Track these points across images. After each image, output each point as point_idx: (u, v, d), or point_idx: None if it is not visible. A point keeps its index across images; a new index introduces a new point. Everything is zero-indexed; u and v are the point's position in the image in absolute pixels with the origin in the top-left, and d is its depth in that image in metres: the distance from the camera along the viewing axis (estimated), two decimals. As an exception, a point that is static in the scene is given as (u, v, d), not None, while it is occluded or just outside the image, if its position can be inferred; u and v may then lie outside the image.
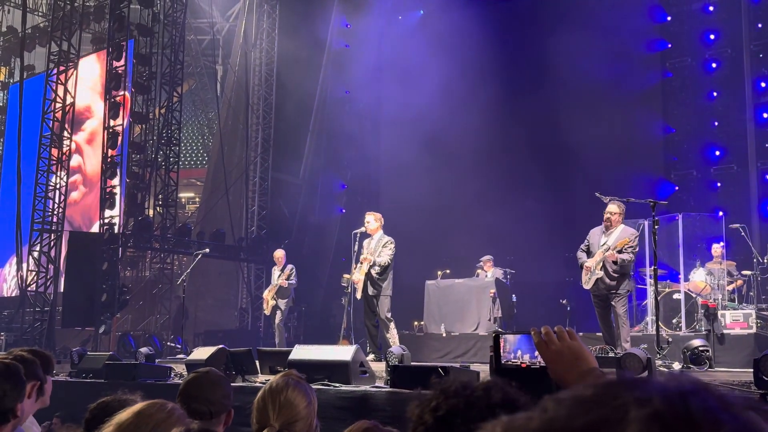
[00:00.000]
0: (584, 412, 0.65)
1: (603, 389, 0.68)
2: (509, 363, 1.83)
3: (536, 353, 1.70)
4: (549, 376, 1.66)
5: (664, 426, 0.63)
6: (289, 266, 12.59)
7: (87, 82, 17.36)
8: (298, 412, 2.69)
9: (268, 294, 12.67)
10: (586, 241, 8.83)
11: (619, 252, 8.29)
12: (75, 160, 17.29)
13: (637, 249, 8.65)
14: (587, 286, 8.63)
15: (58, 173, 15.78)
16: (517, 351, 1.86)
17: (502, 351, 1.84)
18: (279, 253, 12.89)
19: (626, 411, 0.64)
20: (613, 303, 8.45)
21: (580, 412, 0.66)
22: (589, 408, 0.65)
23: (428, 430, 1.39)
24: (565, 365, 1.64)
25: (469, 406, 1.39)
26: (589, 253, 8.69)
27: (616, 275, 8.41)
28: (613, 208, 8.55)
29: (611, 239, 8.50)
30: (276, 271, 12.73)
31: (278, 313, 12.47)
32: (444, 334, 11.73)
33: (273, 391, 2.73)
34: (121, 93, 15.85)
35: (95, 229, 15.87)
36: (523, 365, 1.82)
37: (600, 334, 9.04)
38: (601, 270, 8.44)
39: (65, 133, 16.02)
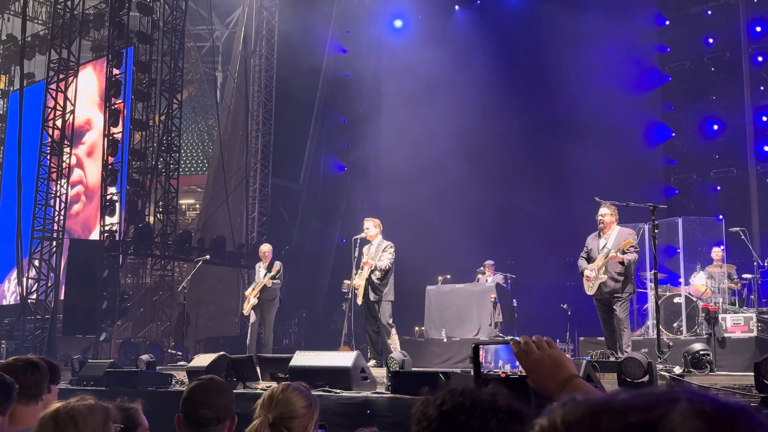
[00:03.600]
0: (643, 396, 0.78)
1: (662, 388, 0.80)
2: (490, 373, 1.84)
3: (517, 363, 1.72)
4: (528, 386, 1.67)
5: (708, 421, 0.73)
6: (277, 263, 11.44)
7: (85, 94, 17.33)
8: (294, 410, 2.73)
9: (250, 292, 11.46)
10: (585, 248, 8.84)
11: (623, 252, 8.28)
12: (76, 174, 17.28)
13: (638, 248, 8.65)
14: (591, 292, 8.61)
15: (59, 181, 15.78)
16: (498, 361, 1.86)
17: (483, 361, 1.85)
18: (265, 248, 11.71)
19: (677, 402, 0.75)
20: (615, 306, 8.43)
21: (640, 396, 0.78)
22: (647, 395, 0.78)
23: (431, 424, 1.40)
24: (546, 374, 1.65)
25: (474, 404, 1.40)
26: (590, 260, 8.68)
27: (620, 278, 8.40)
28: (605, 210, 8.57)
29: (610, 241, 8.49)
30: (261, 268, 11.56)
31: (256, 313, 11.34)
32: (445, 340, 11.72)
33: (274, 390, 2.81)
34: (121, 100, 15.87)
35: (94, 236, 15.87)
36: (503, 375, 1.83)
37: (601, 338, 9.03)
38: (604, 274, 8.42)
39: (65, 141, 16.02)
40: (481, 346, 1.86)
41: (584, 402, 0.79)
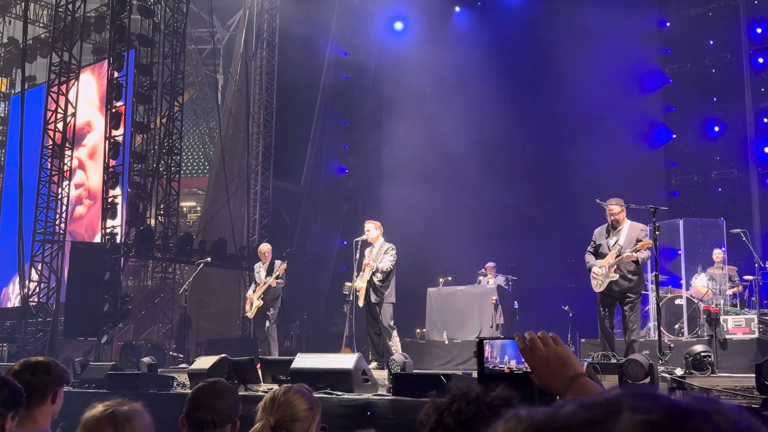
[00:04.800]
0: (585, 410, 0.72)
1: (611, 395, 0.74)
2: (495, 368, 1.82)
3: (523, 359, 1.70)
4: (532, 382, 1.65)
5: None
6: (278, 262, 11.23)
7: (84, 97, 17.35)
8: (296, 413, 2.74)
9: (253, 294, 11.22)
10: (592, 242, 8.72)
11: (636, 251, 8.23)
12: (78, 177, 17.28)
13: (651, 244, 8.56)
14: (599, 289, 8.49)
15: (60, 184, 15.79)
16: (504, 356, 1.84)
17: (489, 356, 1.84)
18: (264, 248, 11.54)
19: (619, 414, 0.70)
20: (625, 307, 8.39)
21: (582, 409, 0.73)
22: (590, 407, 0.73)
23: None
24: (551, 371, 1.62)
25: (492, 411, 1.39)
26: (597, 254, 8.61)
27: (633, 277, 8.34)
28: (615, 207, 8.46)
29: (622, 238, 8.40)
30: (261, 269, 11.37)
31: (266, 318, 11.15)
32: (446, 342, 11.71)
33: (276, 392, 2.82)
34: (122, 103, 15.89)
35: (97, 239, 15.87)
36: (507, 370, 1.81)
37: (603, 340, 8.98)
38: (615, 273, 8.34)
39: (67, 144, 16.04)
40: (486, 341, 1.84)
41: (526, 419, 0.76)
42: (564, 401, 0.76)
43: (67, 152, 16.06)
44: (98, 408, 2.49)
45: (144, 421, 2.52)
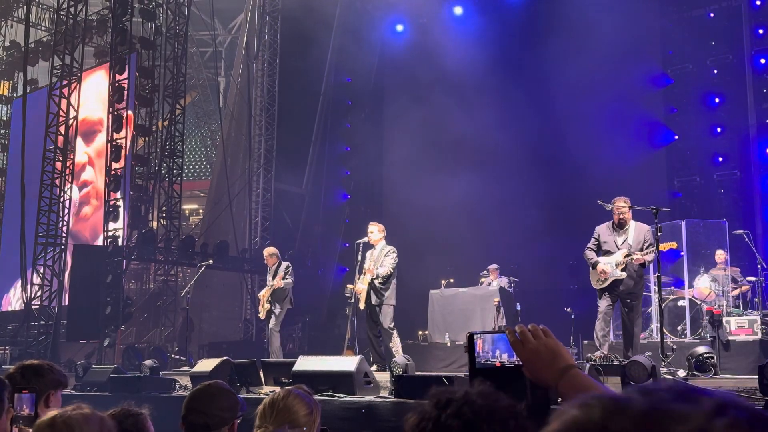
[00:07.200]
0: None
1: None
2: (488, 362, 1.82)
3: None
4: (524, 375, 1.65)
5: None
6: (284, 264, 11.40)
7: (99, 95, 17.31)
8: (296, 419, 2.71)
9: (264, 293, 11.42)
10: (594, 239, 8.68)
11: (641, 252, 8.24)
12: (88, 173, 17.20)
13: (654, 246, 8.55)
14: (600, 285, 8.47)
15: (62, 187, 15.79)
16: (495, 351, 1.84)
17: (480, 351, 1.83)
18: (268, 251, 11.66)
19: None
20: (627, 308, 8.39)
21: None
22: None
23: None
24: (543, 363, 1.63)
25: (477, 415, 1.39)
26: (601, 252, 8.58)
27: (639, 278, 8.39)
28: (624, 205, 8.46)
29: (630, 237, 8.39)
30: (269, 272, 11.62)
31: (272, 317, 11.25)
32: (448, 344, 11.71)
33: (274, 397, 2.79)
34: (124, 106, 15.89)
35: (100, 242, 15.88)
36: (498, 364, 1.81)
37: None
38: (623, 272, 8.33)
39: (69, 147, 16.04)
40: (477, 335, 1.84)
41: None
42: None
43: (69, 155, 16.06)
44: (50, 413, 2.36)
45: (93, 428, 2.32)
